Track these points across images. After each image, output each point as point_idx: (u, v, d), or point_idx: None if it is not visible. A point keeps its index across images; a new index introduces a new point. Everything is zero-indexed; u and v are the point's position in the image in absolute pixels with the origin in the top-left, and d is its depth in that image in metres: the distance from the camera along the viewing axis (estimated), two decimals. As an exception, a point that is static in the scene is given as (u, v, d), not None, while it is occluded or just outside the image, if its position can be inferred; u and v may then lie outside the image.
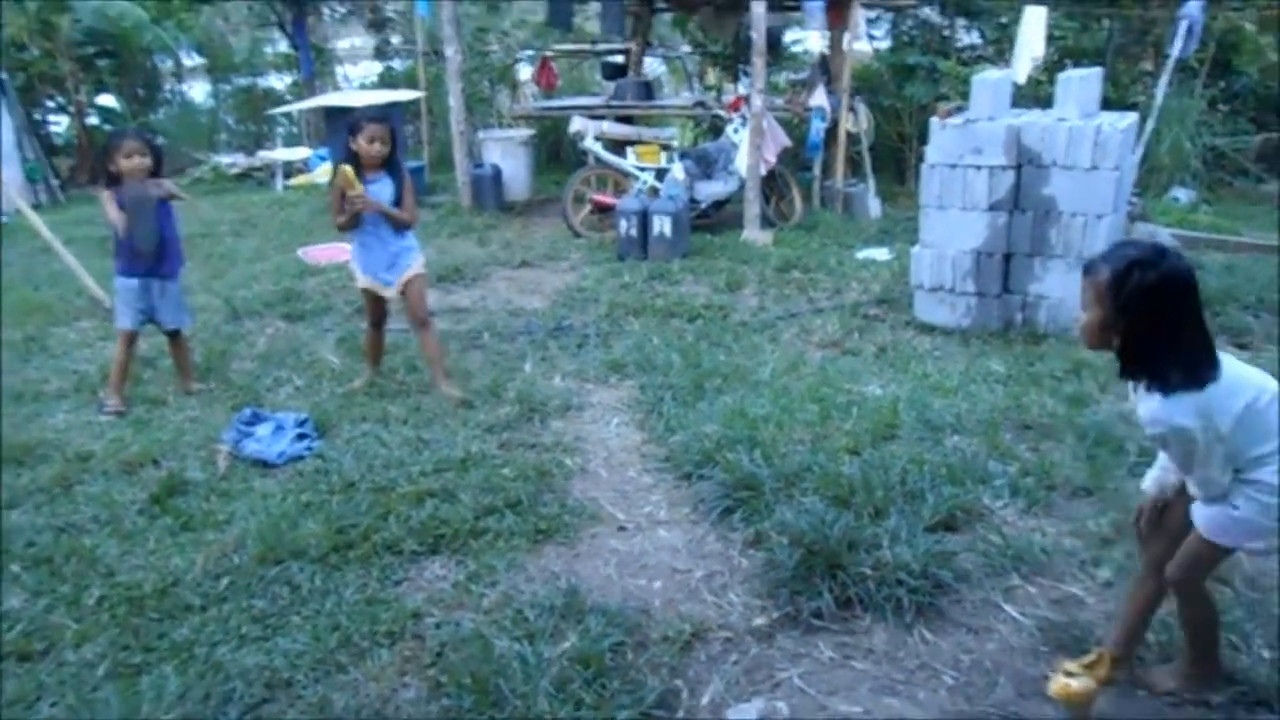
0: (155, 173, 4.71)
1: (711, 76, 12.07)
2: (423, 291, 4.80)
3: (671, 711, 2.52)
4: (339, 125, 9.35)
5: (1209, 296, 5.72)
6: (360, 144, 4.55)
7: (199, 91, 14.72)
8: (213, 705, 2.56)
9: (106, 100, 13.04)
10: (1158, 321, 2.11)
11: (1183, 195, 8.65)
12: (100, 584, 3.14)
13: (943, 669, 2.68)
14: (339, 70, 14.65)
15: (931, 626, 2.84)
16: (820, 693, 2.60)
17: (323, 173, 10.94)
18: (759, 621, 2.90)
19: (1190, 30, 7.38)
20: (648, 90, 9.87)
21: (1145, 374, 2.18)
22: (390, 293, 4.75)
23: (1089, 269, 2.19)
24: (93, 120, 12.77)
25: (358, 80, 14.37)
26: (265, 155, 12.18)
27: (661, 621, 2.89)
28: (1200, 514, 2.28)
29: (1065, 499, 3.53)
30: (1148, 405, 2.18)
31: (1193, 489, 2.28)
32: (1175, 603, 2.48)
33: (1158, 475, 2.47)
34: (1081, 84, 5.45)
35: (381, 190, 4.60)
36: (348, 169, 4.49)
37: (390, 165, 4.65)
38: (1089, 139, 5.12)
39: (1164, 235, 7.08)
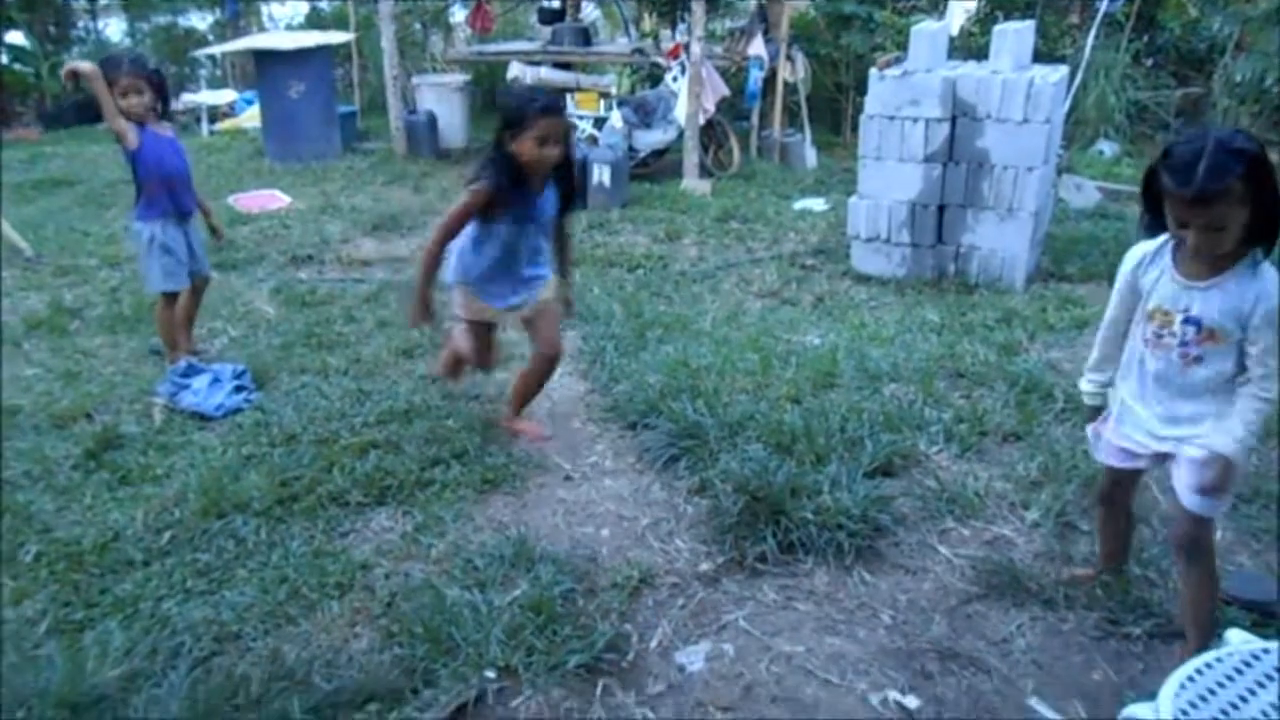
0: (164, 109, 4.24)
1: (648, 23, 11.94)
2: (558, 319, 3.68)
3: (621, 655, 2.58)
4: (268, 68, 9.09)
5: (1130, 247, 5.91)
6: (527, 147, 3.18)
7: (115, 29, 14.10)
8: (161, 659, 2.54)
9: (15, 38, 12.42)
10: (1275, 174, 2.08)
11: (1107, 148, 8.86)
12: (37, 540, 3.08)
13: (881, 608, 2.78)
14: (264, 9, 14.14)
15: (870, 568, 2.94)
16: (765, 634, 2.69)
17: (249, 116, 10.62)
18: (705, 567, 2.97)
19: (1118, -16, 7.53)
20: (585, 36, 9.74)
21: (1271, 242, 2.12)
22: (510, 317, 3.67)
23: (1206, 193, 2.02)
24: (2, 59, 12.17)
25: (284, 20, 13.90)
26: (189, 98, 11.76)
27: (610, 568, 2.94)
28: (1198, 502, 2.28)
29: (996, 444, 3.66)
30: (1264, 283, 2.12)
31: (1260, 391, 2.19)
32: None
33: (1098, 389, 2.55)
34: (1016, 37, 5.53)
35: (545, 204, 3.42)
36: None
37: (562, 170, 3.38)
38: (1022, 92, 5.21)
39: (1089, 187, 7.27)
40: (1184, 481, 2.30)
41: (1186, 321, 2.23)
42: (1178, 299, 2.25)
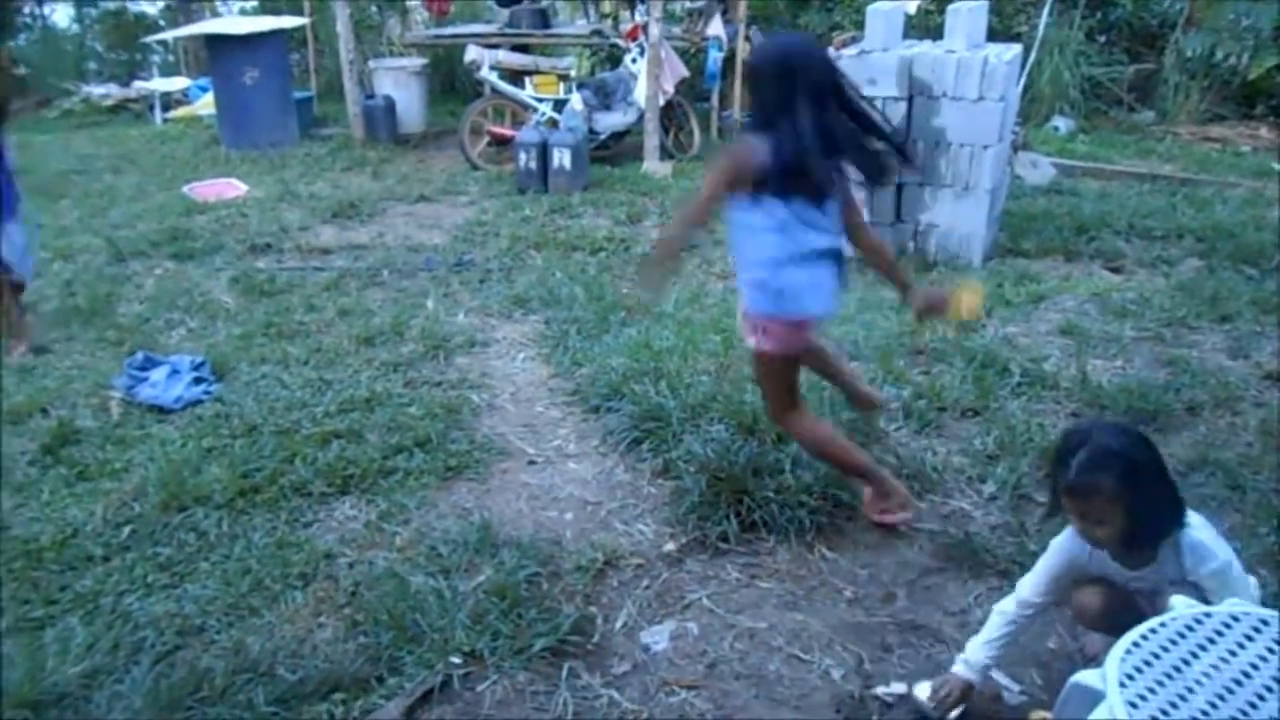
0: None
1: (607, 4, 11.87)
2: None
3: (587, 637, 2.61)
4: (221, 54, 8.94)
5: (1085, 222, 6.01)
6: None
7: (62, 15, 13.75)
8: (123, 655, 2.53)
9: (-42, 25, 12.13)
10: (1164, 475, 2.10)
11: (1062, 125, 8.97)
12: (-7, 538, 3.05)
13: (843, 584, 2.82)
14: (216, -6, 13.88)
15: (831, 544, 2.99)
16: (728, 611, 2.72)
17: (204, 104, 10.45)
18: (668, 548, 3.00)
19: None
20: (544, 18, 9.67)
21: (1178, 520, 2.10)
22: None
23: (1077, 486, 2.04)
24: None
25: (237, 4, 13.65)
26: (141, 86, 11.53)
27: (574, 551, 2.96)
28: None
29: (954, 419, 3.71)
30: (1197, 550, 2.09)
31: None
32: None
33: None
34: (970, 15, 5.57)
35: None
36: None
37: None
38: (977, 71, 5.25)
39: (1045, 163, 7.36)
40: None
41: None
42: (1125, 577, 2.23)
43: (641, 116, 8.08)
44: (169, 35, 11.78)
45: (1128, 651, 1.67)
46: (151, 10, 13.56)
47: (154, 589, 2.81)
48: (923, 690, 2.36)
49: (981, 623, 2.61)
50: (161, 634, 2.61)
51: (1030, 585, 2.28)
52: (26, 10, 13.49)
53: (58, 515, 3.17)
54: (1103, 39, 9.66)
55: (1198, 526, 2.12)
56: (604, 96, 8.35)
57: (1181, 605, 1.83)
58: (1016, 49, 5.79)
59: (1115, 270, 5.42)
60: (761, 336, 2.75)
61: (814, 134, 2.52)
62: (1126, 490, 2.01)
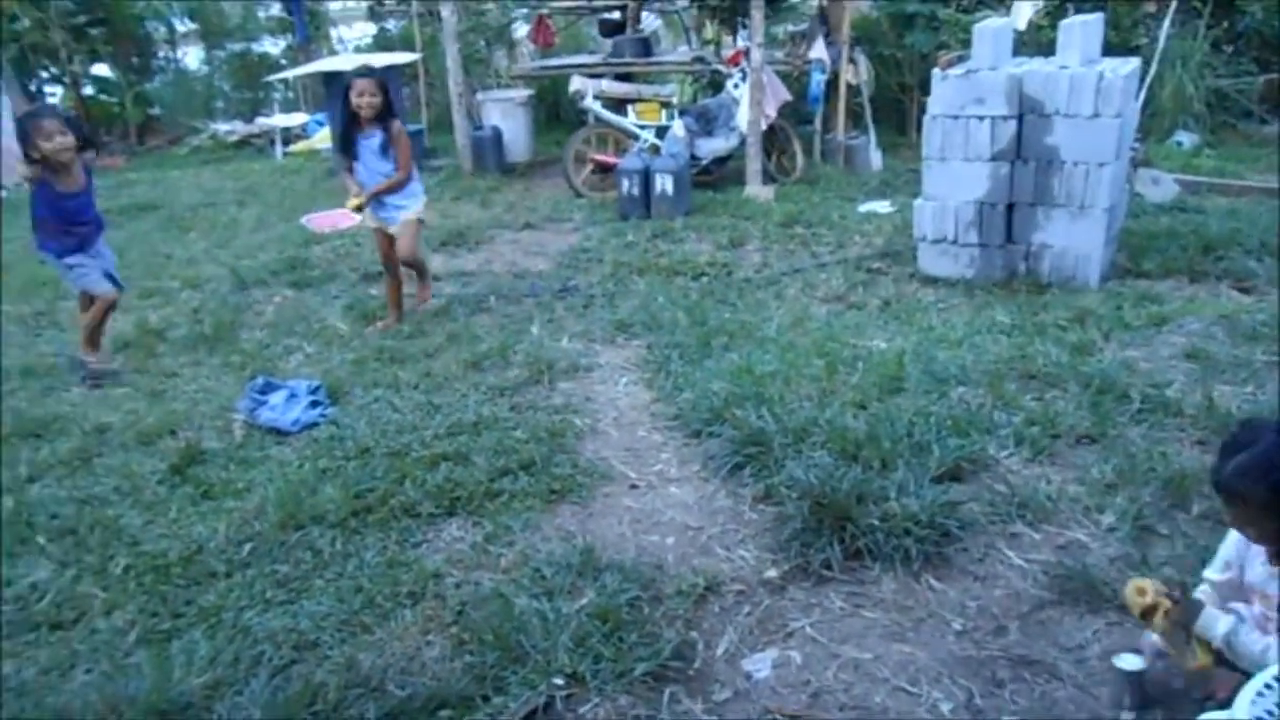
0: (83, 148, 4.73)
1: (709, 30, 11.95)
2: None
3: (688, 662, 2.60)
4: (338, 90, 9.31)
5: (1212, 241, 5.74)
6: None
7: (193, 58, 14.60)
8: (243, 668, 2.64)
9: (101, 70, 12.97)
10: None
11: (1185, 139, 8.60)
12: (126, 553, 3.22)
13: (950, 616, 2.74)
14: (334, 33, 14.52)
15: (938, 575, 2.91)
16: (832, 641, 2.68)
17: (321, 138, 10.91)
18: (770, 574, 2.96)
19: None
20: (646, 47, 9.79)
21: None
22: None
23: (1224, 488, 1.99)
24: (88, 90, 12.72)
25: (352, 42, 14.25)
26: (264, 122, 12.14)
27: (675, 576, 2.95)
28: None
29: (1069, 447, 3.57)
30: None
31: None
32: None
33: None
34: (1084, 30, 5.41)
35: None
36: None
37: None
38: (1091, 87, 5.09)
39: (1167, 180, 7.07)
40: None
41: None
42: (1268, 584, 2.16)
43: (744, 141, 8.09)
44: (289, 74, 12.37)
45: (1259, 694, 1.58)
46: (274, 50, 14.27)
47: (272, 604, 2.92)
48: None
49: (1100, 659, 2.52)
50: (279, 648, 2.70)
51: (1213, 564, 2.31)
52: (161, 55, 14.36)
53: (184, 532, 3.33)
54: (1230, 49, 9.25)
55: None
56: (706, 122, 8.39)
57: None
58: (1135, 62, 5.59)
59: (1245, 291, 5.15)
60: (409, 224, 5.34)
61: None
62: (1278, 502, 1.91)
